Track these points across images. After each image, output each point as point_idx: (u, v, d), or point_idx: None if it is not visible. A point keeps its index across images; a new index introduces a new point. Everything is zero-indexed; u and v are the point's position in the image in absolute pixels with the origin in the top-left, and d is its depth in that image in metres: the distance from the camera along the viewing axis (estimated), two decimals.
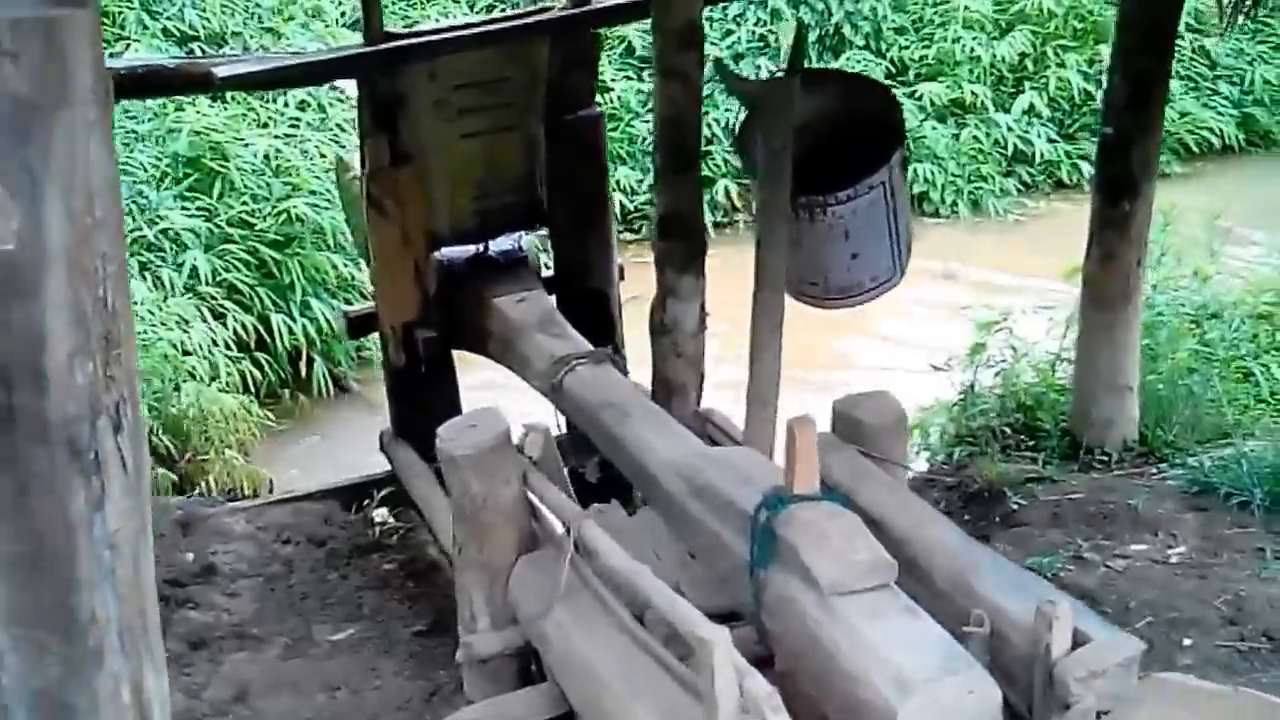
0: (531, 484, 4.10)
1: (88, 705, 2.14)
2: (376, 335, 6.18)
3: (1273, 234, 9.92)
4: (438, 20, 11.58)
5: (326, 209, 9.62)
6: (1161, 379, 6.26)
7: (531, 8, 6.15)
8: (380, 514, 5.89)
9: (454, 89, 5.58)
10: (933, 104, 12.96)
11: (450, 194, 5.70)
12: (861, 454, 4.07)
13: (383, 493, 5.82)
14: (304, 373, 9.44)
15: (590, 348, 5.00)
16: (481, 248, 5.89)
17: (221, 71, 5.30)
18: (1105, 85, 5.82)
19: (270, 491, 7.58)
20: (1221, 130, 13.69)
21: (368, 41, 5.44)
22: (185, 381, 8.10)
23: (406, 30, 5.90)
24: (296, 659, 4.83)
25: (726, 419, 5.20)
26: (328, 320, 9.37)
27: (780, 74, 4.51)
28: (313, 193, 9.71)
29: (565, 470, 4.60)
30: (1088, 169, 13.26)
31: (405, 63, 5.43)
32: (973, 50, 13.20)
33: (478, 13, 11.89)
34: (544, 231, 6.15)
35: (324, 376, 9.46)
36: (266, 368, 9.11)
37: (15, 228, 1.84)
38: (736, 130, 4.92)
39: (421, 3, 12.45)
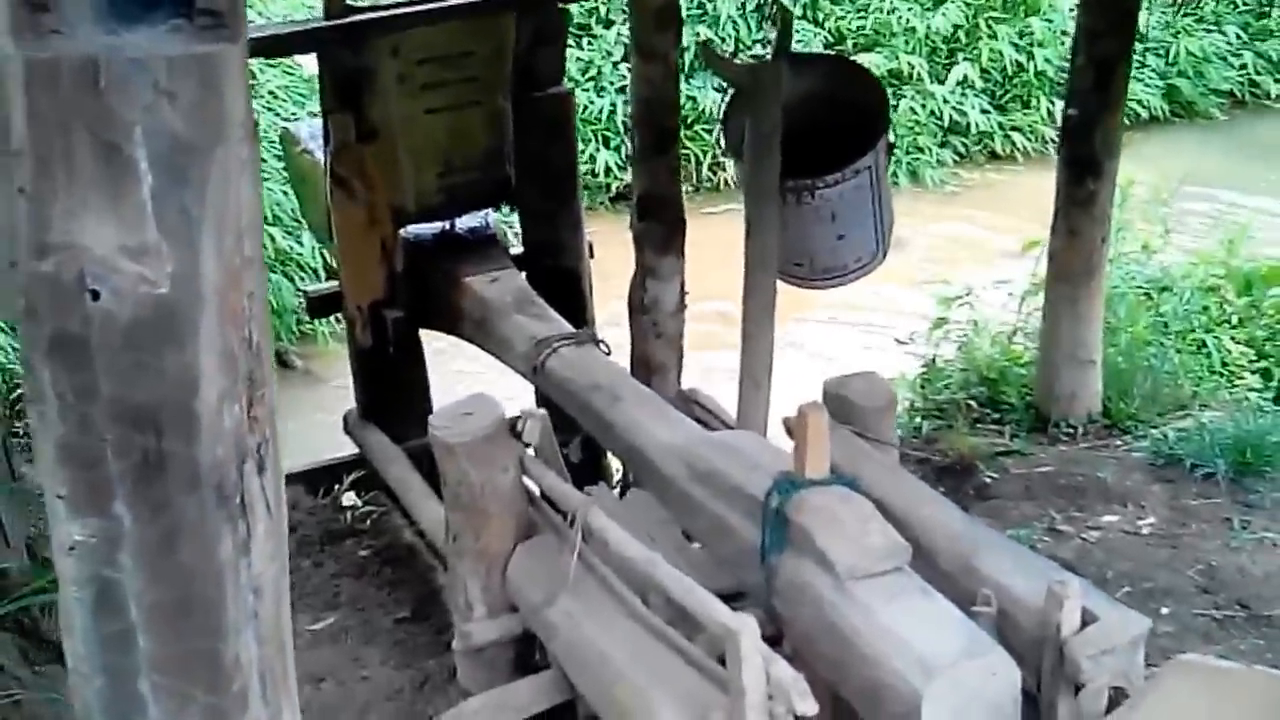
0: (530, 470, 4.10)
1: None
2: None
3: (1209, 203, 10.11)
4: None
5: (265, 180, 9.47)
6: (1120, 352, 6.38)
7: None
8: (348, 498, 5.83)
9: (418, 63, 5.50)
10: None
11: (415, 170, 5.63)
12: (855, 434, 4.11)
13: (353, 477, 5.76)
14: None
15: (571, 329, 4.99)
16: (448, 225, 5.85)
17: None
18: (1070, 66, 5.90)
19: None
20: (1148, 102, 13.91)
21: (328, 15, 5.36)
22: None
23: (369, 4, 5.82)
24: None
25: (711, 399, 5.22)
26: (273, 295, 9.26)
27: (767, 58, 4.51)
28: None
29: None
30: (1020, 140, 13.50)
31: (367, 37, 5.36)
32: (908, 21, 13.31)
33: None
34: (509, 209, 6.12)
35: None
36: None
37: (170, 270, 1.80)
38: (722, 113, 4.93)
39: None
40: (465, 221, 5.88)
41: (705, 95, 13.51)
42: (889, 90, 13.25)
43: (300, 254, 9.44)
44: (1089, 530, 5.35)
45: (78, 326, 1.81)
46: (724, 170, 13.43)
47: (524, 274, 5.74)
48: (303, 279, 9.58)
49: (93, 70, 1.70)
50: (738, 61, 5.35)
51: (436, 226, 5.83)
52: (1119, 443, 6.03)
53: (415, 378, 5.90)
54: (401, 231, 5.69)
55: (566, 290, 5.86)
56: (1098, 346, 6.08)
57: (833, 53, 12.01)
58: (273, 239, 9.36)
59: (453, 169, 5.74)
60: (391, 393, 5.85)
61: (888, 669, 3.21)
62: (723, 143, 5.57)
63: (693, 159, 12.87)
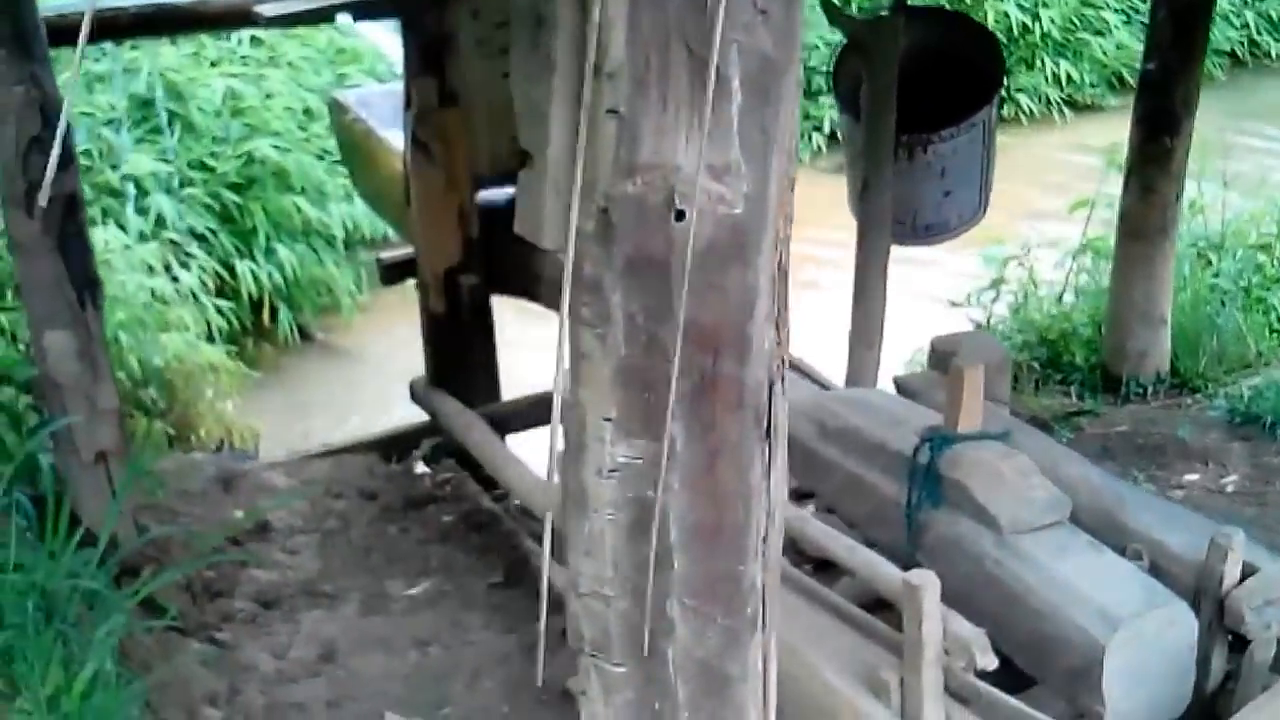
0: None
1: (740, 673, 2.13)
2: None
3: (1236, 163, 10.16)
4: None
5: (289, 150, 9.40)
6: (1184, 311, 6.41)
7: None
8: (417, 465, 5.82)
9: (496, 26, 5.48)
10: None
11: (491, 134, 5.61)
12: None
13: (431, 443, 5.73)
14: (267, 320, 9.27)
15: None
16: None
17: (266, 10, 5.15)
18: (1149, 20, 5.91)
19: (255, 445, 7.49)
20: None
21: None
22: (163, 332, 7.89)
23: None
24: (376, 616, 4.77)
25: (799, 359, 5.22)
26: (293, 266, 9.19)
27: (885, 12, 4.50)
28: (274, 134, 9.46)
29: None
30: (1025, 101, 13.50)
31: (449, 0, 5.33)
32: None
33: None
34: None
35: (290, 325, 9.28)
36: (230, 315, 8.91)
37: (745, 191, 1.79)
38: (832, 66, 4.93)
39: None
40: None
41: None
42: None
43: (328, 224, 9.34)
44: (1172, 489, 5.37)
45: (660, 247, 1.81)
46: None
47: None
48: (328, 250, 9.50)
49: None
50: (855, 16, 5.33)
51: (509, 191, 5.79)
52: (1190, 401, 6.08)
53: (486, 345, 5.88)
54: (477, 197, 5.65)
55: None
56: (1169, 305, 6.11)
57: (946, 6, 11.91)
58: (299, 209, 9.26)
59: None
60: (462, 360, 5.83)
61: (1063, 621, 3.24)
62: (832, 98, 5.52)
63: None
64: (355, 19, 5.80)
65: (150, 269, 8.34)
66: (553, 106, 1.83)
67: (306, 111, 9.91)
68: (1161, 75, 5.76)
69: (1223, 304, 6.56)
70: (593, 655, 2.14)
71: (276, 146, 9.37)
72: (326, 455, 5.87)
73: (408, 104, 5.42)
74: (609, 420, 1.93)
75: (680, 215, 1.78)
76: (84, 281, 4.44)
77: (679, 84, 1.74)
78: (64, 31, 4.44)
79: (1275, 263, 7.21)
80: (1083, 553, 3.38)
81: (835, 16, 4.51)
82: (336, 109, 6.43)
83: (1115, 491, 3.80)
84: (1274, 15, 15.36)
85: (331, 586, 4.92)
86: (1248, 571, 3.40)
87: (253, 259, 9.10)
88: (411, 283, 6.02)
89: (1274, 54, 15.35)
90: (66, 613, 3.54)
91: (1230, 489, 5.38)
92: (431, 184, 5.50)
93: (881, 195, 4.52)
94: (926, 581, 3.09)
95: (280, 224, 9.27)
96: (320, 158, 9.70)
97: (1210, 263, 7.00)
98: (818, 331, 5.58)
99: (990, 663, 3.10)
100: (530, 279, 5.53)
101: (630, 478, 1.95)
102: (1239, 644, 3.41)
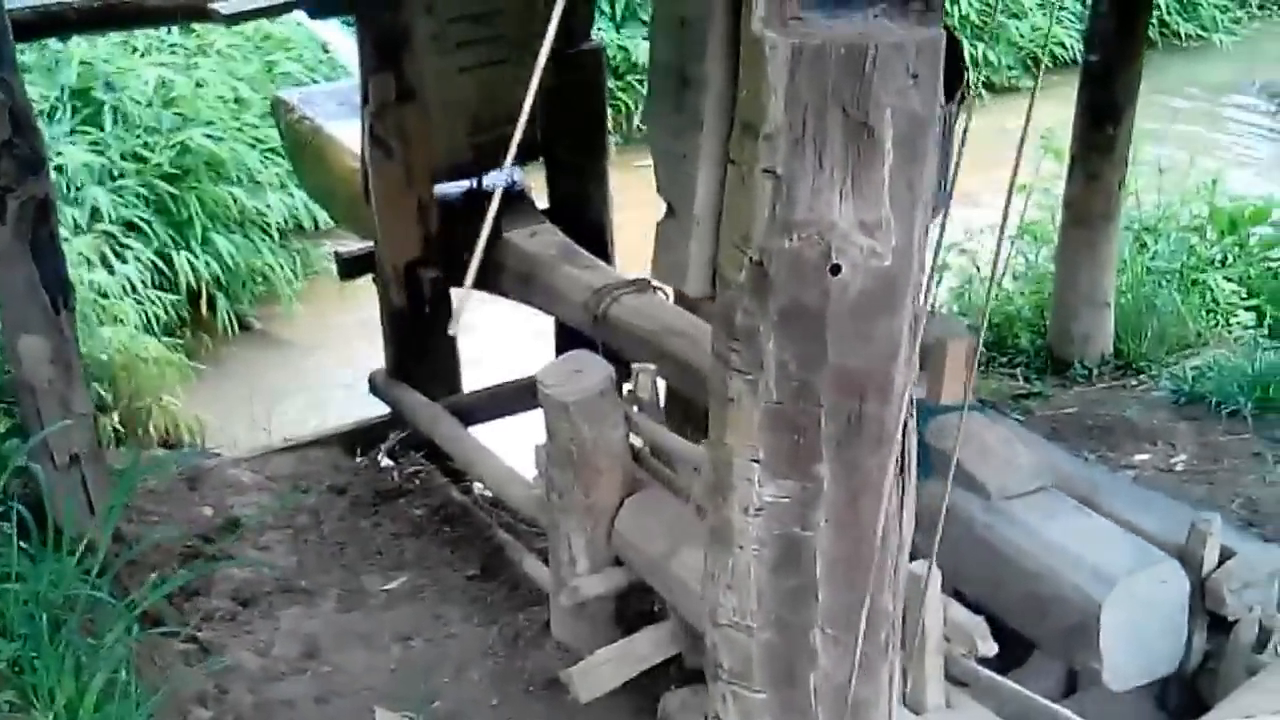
0: (640, 427, 4.16)
1: (873, 697, 2.24)
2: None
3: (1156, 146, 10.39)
4: None
5: (223, 139, 9.32)
6: (1124, 294, 6.59)
7: None
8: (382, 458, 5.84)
9: (450, 21, 5.52)
10: None
11: (447, 129, 5.64)
12: None
13: (399, 435, 5.75)
14: (205, 311, 9.20)
15: (627, 277, 5.05)
16: (475, 183, 5.85)
17: (222, 6, 5.14)
18: (1090, 13, 6.07)
19: (202, 439, 7.48)
20: (1068, 44, 14.19)
21: None
22: (104, 326, 7.82)
23: None
24: (355, 611, 4.80)
25: None
26: (230, 255, 9.13)
27: None
28: (208, 123, 9.38)
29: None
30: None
31: None
32: None
33: None
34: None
35: (228, 315, 9.22)
36: (169, 307, 8.83)
37: (894, 244, 1.87)
38: None
39: None
40: (491, 178, 5.89)
41: (636, 45, 13.55)
42: None
43: (265, 213, 9.29)
44: (1123, 469, 5.53)
45: (815, 299, 1.89)
46: None
47: None
48: (264, 239, 9.44)
49: (860, 55, 1.78)
50: None
51: (464, 185, 5.83)
52: (1135, 382, 6.25)
53: (447, 337, 5.91)
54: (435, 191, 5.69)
55: (593, 244, 5.92)
56: (1112, 289, 6.28)
57: None
58: (234, 199, 9.20)
59: (481, 127, 5.75)
60: (423, 353, 5.86)
61: (1056, 581, 3.34)
62: None
63: (623, 109, 12.86)
64: (311, 15, 5.80)
65: (88, 262, 8.26)
66: (700, 163, 1.90)
67: (238, 100, 9.84)
68: (1104, 66, 5.91)
69: (1160, 286, 6.74)
70: (730, 682, 2.25)
71: (210, 136, 9.30)
72: (290, 450, 5.88)
73: (365, 100, 5.43)
74: (756, 461, 2.02)
75: (836, 269, 1.86)
76: (57, 286, 4.43)
77: (834, 145, 1.81)
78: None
79: (1208, 244, 7.41)
80: (1071, 515, 3.50)
81: None
82: (281, 108, 6.42)
83: (1087, 477, 3.93)
84: None
85: (308, 583, 4.94)
86: (1225, 554, 3.54)
87: (189, 249, 9.02)
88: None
89: (1183, 34, 15.70)
90: (71, 622, 3.55)
91: (1180, 468, 5.55)
92: (391, 179, 5.52)
93: None
94: (928, 572, 3.18)
95: (216, 214, 9.21)
96: (253, 146, 9.64)
97: (1145, 246, 7.18)
98: None
99: (991, 649, 3.22)
100: (490, 270, 5.56)
101: (776, 515, 2.05)
102: (1217, 625, 3.56)
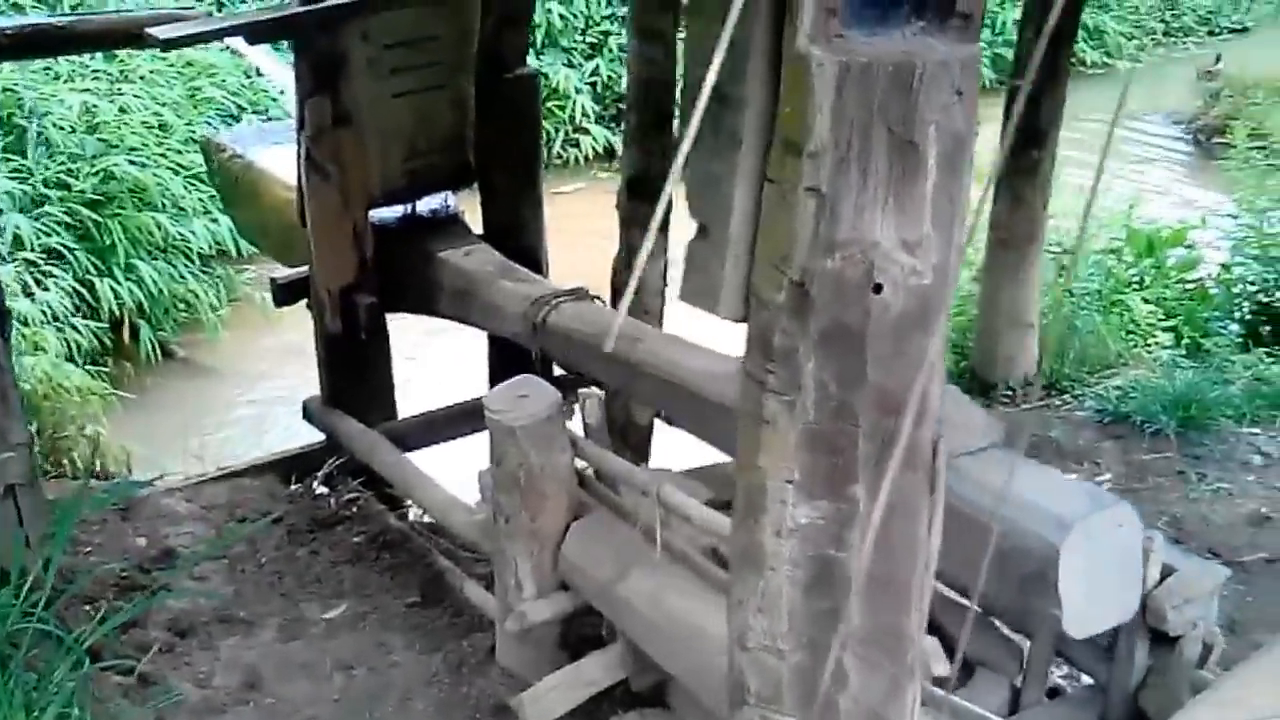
0: (585, 452, 4.14)
1: (898, 717, 2.20)
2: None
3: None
4: None
5: (147, 166, 9.21)
6: (1046, 316, 6.67)
7: None
8: (317, 486, 5.77)
9: (386, 47, 5.48)
10: None
11: (382, 154, 5.61)
12: None
13: (336, 461, 5.68)
14: (128, 339, 9.07)
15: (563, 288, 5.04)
16: (409, 208, 5.83)
17: (158, 32, 5.06)
18: (1017, 39, 6.16)
19: (129, 469, 7.36)
20: (985, 70, 14.41)
21: (304, 1, 5.27)
22: (27, 355, 7.68)
23: None
24: (296, 641, 4.72)
25: None
26: (154, 282, 9.02)
27: None
28: (131, 149, 9.26)
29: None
30: None
31: (341, 21, 5.31)
32: None
33: None
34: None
35: (151, 343, 9.09)
36: (92, 335, 8.70)
37: (934, 262, 1.86)
38: None
39: None
40: (426, 204, 5.86)
41: (556, 71, 13.57)
42: None
43: (188, 239, 9.18)
44: None
45: (856, 318, 1.87)
46: (576, 148, 13.52)
47: None
48: (188, 266, 9.33)
49: (907, 72, 1.76)
50: None
51: (399, 210, 5.80)
52: (1060, 403, 6.33)
53: (383, 363, 5.87)
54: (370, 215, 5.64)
55: (528, 269, 5.92)
56: (1036, 310, 6.37)
57: None
58: (159, 226, 9.07)
59: (417, 152, 5.73)
60: (359, 379, 5.81)
61: (1019, 534, 3.30)
62: None
63: (545, 135, 12.86)
64: (249, 42, 5.72)
65: (9, 290, 8.11)
66: (737, 182, 1.89)
67: (162, 126, 9.74)
68: (1030, 92, 5.99)
69: (1081, 308, 6.84)
70: (758, 706, 2.22)
71: (134, 162, 9.19)
72: (224, 478, 5.78)
73: (301, 125, 5.38)
74: (791, 483, 2.00)
75: (878, 288, 1.85)
76: None
77: (879, 163, 1.80)
78: None
79: (1124, 266, 7.53)
80: (1027, 469, 3.50)
81: None
82: (212, 149, 6.38)
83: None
84: (1089, 25, 16.01)
85: (246, 613, 4.85)
86: (1165, 572, 3.58)
87: (113, 277, 8.92)
88: (270, 298, 6.07)
89: (1089, 61, 16.00)
90: (18, 657, 3.46)
91: (1107, 486, 5.61)
92: (327, 204, 5.46)
93: None
94: None
95: (140, 240, 9.11)
96: (177, 172, 9.54)
97: (1064, 268, 7.28)
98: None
99: (943, 669, 3.22)
100: (426, 291, 5.53)
101: (811, 536, 2.03)
102: (1159, 641, 3.59)
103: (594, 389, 4.25)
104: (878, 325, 1.88)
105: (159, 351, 9.21)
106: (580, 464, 4.22)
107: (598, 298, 4.91)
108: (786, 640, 2.12)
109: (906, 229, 1.84)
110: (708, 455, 5.26)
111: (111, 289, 8.79)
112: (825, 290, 1.87)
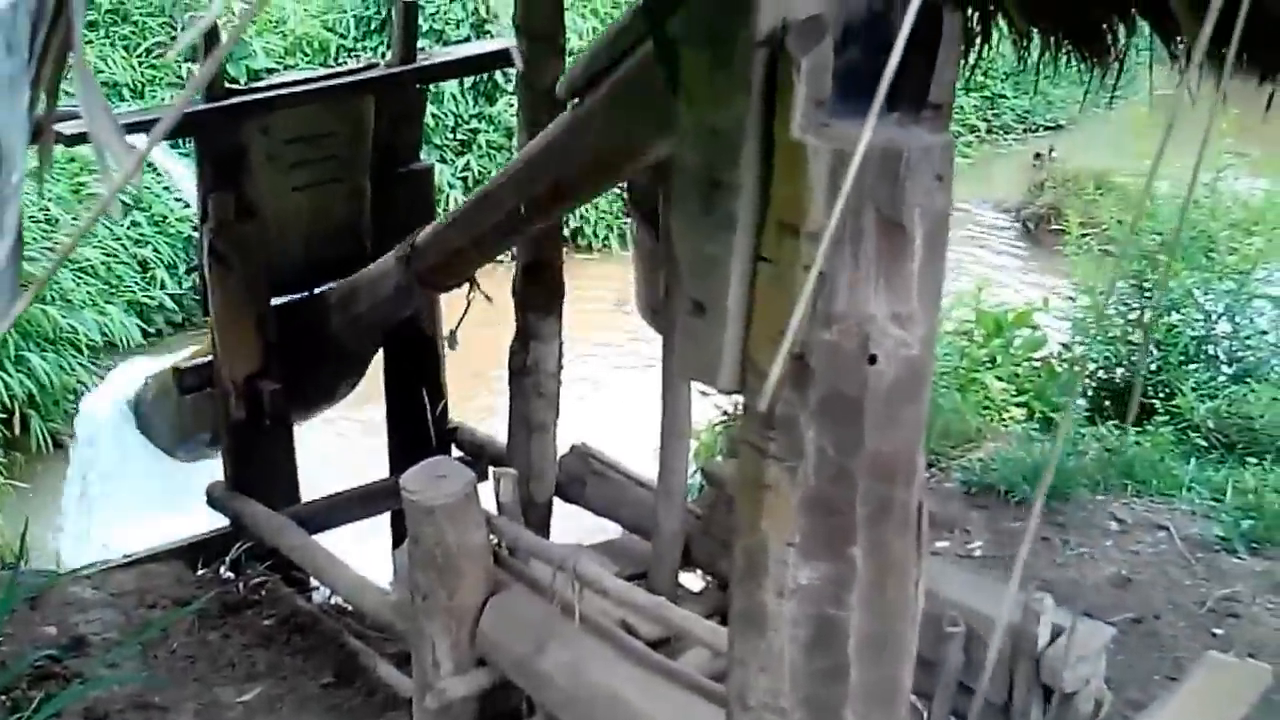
0: (500, 529, 4.12)
1: None
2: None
3: None
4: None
5: (36, 259, 8.98)
6: None
7: (358, 65, 6.07)
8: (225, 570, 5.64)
9: (285, 142, 5.50)
10: None
11: (283, 244, 5.61)
12: None
13: (243, 546, 5.55)
14: (18, 430, 8.80)
15: None
16: (311, 295, 5.81)
17: (65, 128, 4.98)
18: None
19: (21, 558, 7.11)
20: None
21: (208, 99, 5.24)
22: None
23: (245, 86, 5.73)
24: None
25: (602, 452, 5.32)
26: (45, 373, 8.77)
27: None
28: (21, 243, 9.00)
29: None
30: None
31: (244, 118, 5.30)
32: None
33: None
34: None
35: (42, 433, 8.84)
36: None
37: (921, 334, 1.88)
38: None
39: None
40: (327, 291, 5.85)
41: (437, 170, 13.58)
42: None
43: (78, 330, 8.96)
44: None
45: (854, 388, 1.90)
46: None
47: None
48: (76, 357, 9.10)
49: (894, 159, 1.80)
50: None
51: (301, 297, 5.79)
52: (927, 475, 6.41)
53: (287, 448, 5.79)
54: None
55: (422, 355, 5.95)
56: None
57: None
58: (48, 316, 8.85)
59: (315, 243, 5.74)
60: (264, 464, 5.72)
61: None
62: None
63: None
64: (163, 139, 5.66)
65: None
66: (734, 261, 1.92)
67: (49, 220, 9.52)
68: None
69: (942, 386, 7.00)
70: None
71: (23, 256, 8.92)
72: (131, 565, 5.62)
73: (203, 218, 5.35)
74: (792, 545, 2.01)
75: (873, 359, 1.89)
76: None
77: (869, 243, 1.85)
78: None
79: (976, 346, 7.74)
80: None
81: None
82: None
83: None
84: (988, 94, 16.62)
85: (161, 698, 4.70)
86: (1056, 632, 3.67)
87: (2, 369, 8.64)
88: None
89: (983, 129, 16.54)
90: None
91: (978, 554, 5.72)
92: (231, 293, 5.42)
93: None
94: None
95: (29, 332, 8.86)
96: (65, 265, 9.32)
97: None
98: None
99: None
100: (322, 349, 5.57)
101: (811, 597, 2.03)
102: (1049, 698, 3.67)
103: (508, 469, 4.24)
104: (874, 394, 1.92)
105: (50, 441, 8.95)
106: (494, 539, 4.20)
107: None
108: (787, 699, 2.12)
109: (897, 303, 1.89)
110: (608, 530, 5.31)
111: (2, 380, 8.53)
112: (824, 361, 1.91)
